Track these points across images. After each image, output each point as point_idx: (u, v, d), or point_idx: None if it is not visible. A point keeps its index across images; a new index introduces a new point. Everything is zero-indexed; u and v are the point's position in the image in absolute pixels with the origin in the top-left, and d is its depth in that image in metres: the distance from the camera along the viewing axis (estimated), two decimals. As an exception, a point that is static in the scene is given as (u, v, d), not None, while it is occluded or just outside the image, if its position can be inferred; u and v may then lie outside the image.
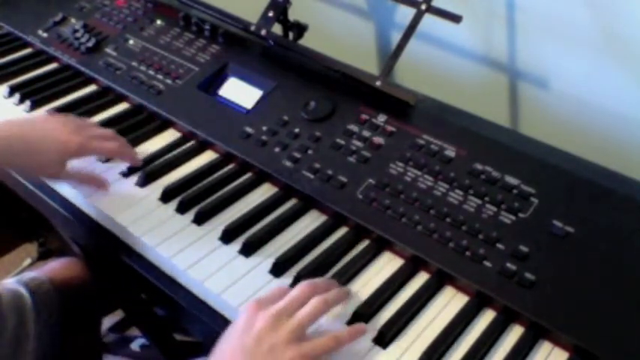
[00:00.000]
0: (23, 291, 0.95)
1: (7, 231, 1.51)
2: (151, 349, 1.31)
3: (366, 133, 0.90)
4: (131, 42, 1.15)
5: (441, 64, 1.21)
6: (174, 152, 0.96)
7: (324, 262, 0.78)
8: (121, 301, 1.18)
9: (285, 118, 0.95)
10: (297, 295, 0.68)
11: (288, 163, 0.89)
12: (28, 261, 1.59)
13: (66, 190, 0.92)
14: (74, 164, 0.90)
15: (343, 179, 0.85)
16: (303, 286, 0.69)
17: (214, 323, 0.76)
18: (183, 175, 0.92)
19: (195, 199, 0.87)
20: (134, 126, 1.01)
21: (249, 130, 0.94)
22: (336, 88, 0.97)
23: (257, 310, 0.65)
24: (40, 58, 1.20)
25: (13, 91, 1.10)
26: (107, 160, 0.94)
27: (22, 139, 0.85)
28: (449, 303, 0.74)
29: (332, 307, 0.69)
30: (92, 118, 1.04)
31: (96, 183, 0.90)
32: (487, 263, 0.74)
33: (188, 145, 0.98)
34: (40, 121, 0.89)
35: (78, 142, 0.87)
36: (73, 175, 0.90)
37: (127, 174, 0.92)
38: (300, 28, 1.08)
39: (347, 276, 0.76)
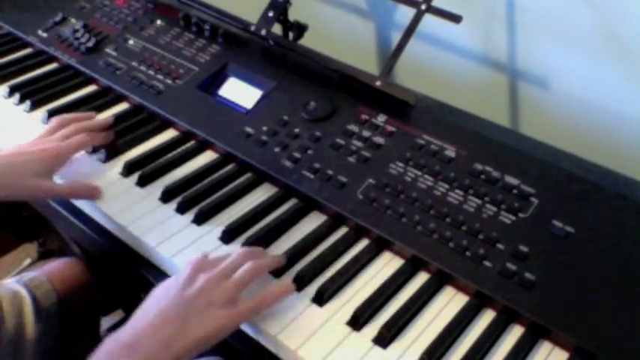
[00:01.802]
0: (23, 291, 0.95)
1: (7, 231, 1.51)
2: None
3: (366, 133, 0.90)
4: (131, 42, 1.15)
5: (441, 64, 1.21)
6: (175, 152, 0.96)
7: (324, 261, 0.78)
8: (121, 301, 1.18)
9: (285, 118, 0.95)
10: (235, 259, 0.73)
11: (288, 163, 0.89)
12: (28, 261, 1.59)
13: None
14: (63, 176, 0.90)
15: (343, 179, 0.85)
16: (240, 252, 0.74)
17: (214, 323, 0.76)
18: (183, 175, 0.92)
19: (195, 199, 0.87)
20: (134, 126, 1.01)
21: (249, 130, 0.94)
22: (336, 88, 0.97)
23: (198, 271, 0.69)
24: (40, 58, 1.20)
25: (13, 91, 1.10)
26: (107, 161, 0.94)
27: (3, 160, 0.85)
28: (449, 303, 0.74)
29: (265, 271, 0.75)
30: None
31: (86, 191, 0.89)
32: (487, 263, 0.74)
33: (188, 145, 0.98)
34: (18, 145, 0.90)
35: (52, 147, 0.87)
36: (63, 189, 0.89)
37: (127, 174, 0.92)
38: (300, 28, 1.08)
39: (347, 276, 0.76)
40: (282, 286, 0.74)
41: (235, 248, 0.80)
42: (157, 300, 0.66)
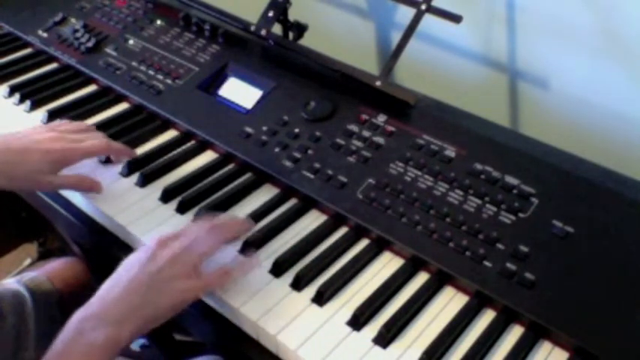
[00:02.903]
0: (23, 291, 0.95)
1: (7, 231, 1.51)
2: (151, 349, 1.31)
3: (366, 133, 0.90)
4: (131, 42, 1.15)
5: (441, 64, 1.21)
6: (175, 152, 0.96)
7: (324, 261, 0.78)
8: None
9: (285, 118, 0.95)
10: (199, 233, 0.74)
11: (288, 163, 0.89)
12: (28, 261, 1.59)
13: (66, 190, 0.92)
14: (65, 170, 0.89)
15: (343, 179, 0.85)
16: (203, 225, 0.75)
17: (214, 323, 0.76)
18: (183, 175, 0.92)
19: (195, 199, 0.87)
20: (134, 126, 1.01)
21: (249, 130, 0.94)
22: (336, 88, 0.97)
23: (162, 246, 0.71)
24: (40, 58, 1.20)
25: (13, 91, 1.10)
26: (107, 161, 0.94)
27: (5, 150, 0.84)
28: (449, 303, 0.74)
29: (228, 240, 0.77)
30: (92, 118, 1.04)
31: (87, 185, 0.88)
32: (487, 263, 0.74)
33: (188, 145, 0.98)
34: (23, 133, 0.88)
35: (60, 149, 0.85)
36: (63, 181, 0.88)
37: (126, 174, 0.92)
38: (300, 28, 1.08)
39: (347, 276, 0.76)
40: (247, 260, 0.77)
41: (235, 248, 0.80)
42: (123, 274, 0.69)
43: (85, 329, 0.64)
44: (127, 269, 0.70)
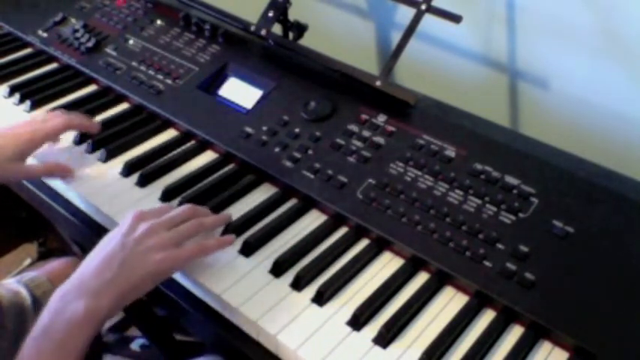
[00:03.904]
0: (23, 291, 0.95)
1: (7, 231, 1.51)
2: (151, 349, 1.31)
3: (366, 133, 0.90)
4: (131, 42, 1.15)
5: (441, 64, 1.21)
6: (175, 152, 0.96)
7: (324, 261, 0.78)
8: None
9: (285, 118, 0.95)
10: (178, 214, 0.77)
11: (288, 163, 0.89)
12: (28, 261, 1.59)
13: (66, 190, 0.92)
14: (33, 159, 0.91)
15: (343, 179, 0.85)
16: (185, 207, 0.78)
17: (214, 323, 0.76)
18: (183, 175, 0.92)
19: (196, 199, 0.87)
20: (134, 126, 1.01)
21: (249, 130, 0.94)
22: (336, 88, 0.97)
23: (139, 220, 0.74)
24: (40, 58, 1.20)
25: (13, 91, 1.10)
26: (107, 161, 0.94)
27: None
28: (449, 303, 0.74)
29: (207, 229, 0.78)
30: (92, 118, 1.04)
31: (60, 170, 0.90)
32: (487, 263, 0.74)
33: (188, 145, 0.98)
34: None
35: (29, 131, 0.87)
36: (36, 169, 0.90)
37: (127, 174, 0.92)
38: (300, 28, 1.08)
39: (347, 276, 0.76)
40: (223, 237, 0.79)
41: (235, 248, 0.80)
42: (101, 248, 0.72)
43: (66, 302, 0.67)
44: (105, 243, 0.72)
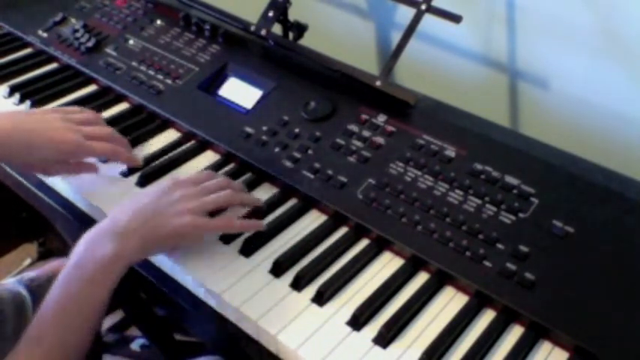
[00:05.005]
0: (23, 291, 0.95)
1: (7, 231, 1.51)
2: (151, 349, 1.30)
3: (366, 133, 0.90)
4: (131, 42, 1.15)
5: (441, 64, 1.21)
6: (175, 152, 0.96)
7: (324, 261, 0.78)
8: (121, 301, 1.18)
9: (285, 118, 0.95)
10: (214, 184, 0.81)
11: (288, 163, 0.89)
12: (28, 261, 1.59)
13: (66, 190, 0.92)
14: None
15: (343, 179, 0.85)
16: (221, 179, 0.83)
17: (214, 323, 0.76)
18: (183, 175, 0.92)
19: (196, 199, 0.87)
20: (134, 126, 1.01)
21: (249, 130, 0.94)
22: (336, 88, 0.97)
23: (177, 186, 0.78)
24: (40, 58, 1.20)
25: (13, 91, 1.10)
26: (107, 161, 0.94)
27: (24, 134, 0.85)
28: (449, 303, 0.74)
29: (238, 203, 0.82)
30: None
31: (84, 169, 0.90)
32: (487, 263, 0.74)
33: (188, 145, 0.98)
34: (41, 117, 0.88)
35: (73, 142, 0.86)
36: (66, 169, 0.89)
37: (127, 174, 0.92)
38: (300, 28, 1.08)
39: (347, 276, 0.76)
40: (252, 221, 0.82)
41: (235, 248, 0.80)
42: (135, 201, 0.76)
43: (96, 243, 0.71)
44: (140, 197, 0.77)
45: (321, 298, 0.74)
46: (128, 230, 0.72)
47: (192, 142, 0.98)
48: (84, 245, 0.72)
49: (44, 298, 0.72)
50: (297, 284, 0.75)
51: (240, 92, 1.02)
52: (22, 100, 1.08)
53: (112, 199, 0.88)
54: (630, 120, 1.01)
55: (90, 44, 1.15)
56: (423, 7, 0.94)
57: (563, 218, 0.76)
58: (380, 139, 0.89)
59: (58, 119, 0.88)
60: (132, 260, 0.73)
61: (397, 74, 1.26)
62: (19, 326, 0.90)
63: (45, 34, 1.21)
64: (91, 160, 0.92)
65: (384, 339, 0.69)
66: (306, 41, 1.06)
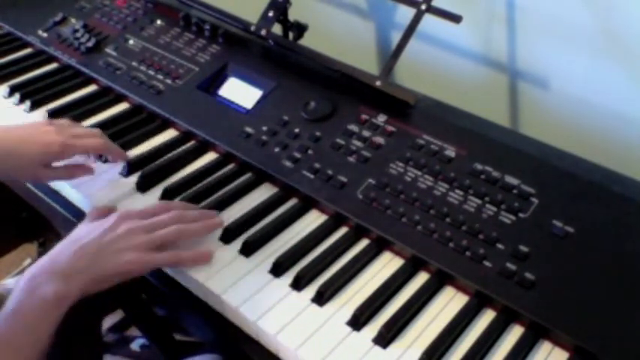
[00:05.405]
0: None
1: (7, 231, 1.51)
2: (151, 349, 1.31)
3: (366, 133, 0.90)
4: (131, 42, 1.15)
5: (441, 64, 1.21)
6: (175, 152, 0.96)
7: (324, 262, 0.78)
8: (121, 301, 1.18)
9: (285, 118, 0.95)
10: (162, 220, 0.77)
11: (288, 163, 0.89)
12: (28, 261, 1.59)
13: (66, 190, 0.92)
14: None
15: (343, 179, 0.85)
16: (172, 213, 0.79)
17: (214, 323, 0.76)
18: (183, 175, 0.92)
19: (195, 199, 0.87)
20: (134, 126, 1.01)
21: (249, 130, 0.94)
22: (336, 88, 0.97)
23: (123, 220, 0.75)
24: (40, 58, 1.20)
25: (13, 91, 1.10)
26: (107, 161, 0.94)
27: (5, 140, 0.84)
28: (449, 303, 0.74)
29: (189, 237, 0.78)
30: (92, 118, 1.04)
31: (82, 171, 0.89)
32: (487, 263, 0.74)
33: (188, 145, 0.98)
34: (20, 126, 0.89)
35: (60, 143, 0.85)
36: (57, 173, 0.89)
37: (126, 174, 0.92)
38: (300, 28, 1.08)
39: (347, 276, 0.76)
40: (200, 251, 0.78)
41: (235, 248, 0.80)
42: (79, 237, 0.74)
43: (37, 284, 0.68)
44: (83, 232, 0.74)
45: (321, 298, 0.74)
46: (70, 270, 0.70)
47: (192, 142, 0.98)
48: (22, 289, 0.68)
49: None
50: (297, 284, 0.75)
51: (240, 92, 1.02)
52: (22, 100, 1.08)
53: (111, 199, 0.88)
54: (630, 120, 1.01)
55: (90, 44, 1.15)
56: (423, 7, 0.94)
57: (563, 218, 0.76)
58: (380, 139, 0.89)
59: (44, 124, 0.89)
60: (75, 300, 0.70)
61: (397, 74, 1.26)
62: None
63: (45, 34, 1.21)
64: (90, 161, 0.92)
65: (384, 339, 0.69)
66: (306, 41, 1.06)
